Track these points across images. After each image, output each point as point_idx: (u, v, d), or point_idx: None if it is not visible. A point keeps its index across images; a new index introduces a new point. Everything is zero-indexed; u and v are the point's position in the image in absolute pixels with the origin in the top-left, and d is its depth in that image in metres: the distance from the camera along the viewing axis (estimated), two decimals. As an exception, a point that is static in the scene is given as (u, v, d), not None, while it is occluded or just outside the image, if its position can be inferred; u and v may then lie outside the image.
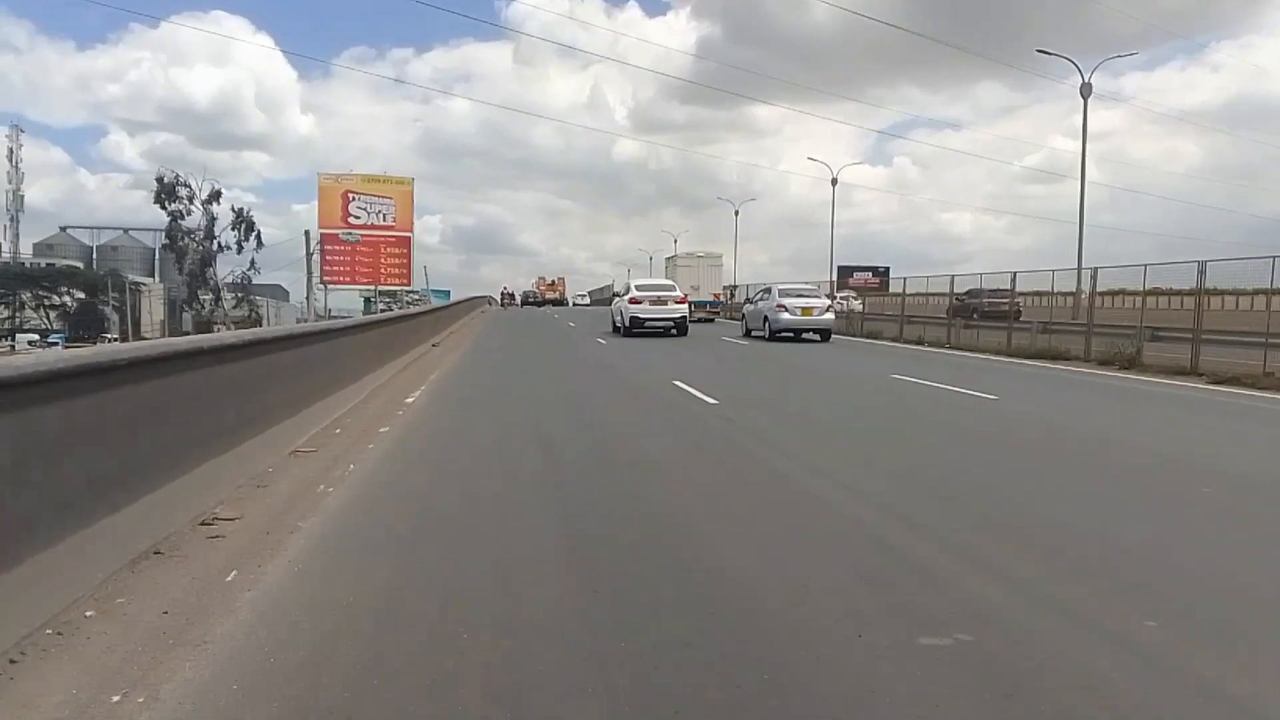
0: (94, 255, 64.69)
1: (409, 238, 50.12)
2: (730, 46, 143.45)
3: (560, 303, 53.60)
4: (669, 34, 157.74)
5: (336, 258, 47.29)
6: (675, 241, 47.43)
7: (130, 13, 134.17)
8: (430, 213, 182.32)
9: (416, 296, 60.20)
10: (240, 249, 48.37)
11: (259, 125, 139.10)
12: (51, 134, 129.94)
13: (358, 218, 47.39)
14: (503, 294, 58.14)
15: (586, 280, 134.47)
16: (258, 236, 48.39)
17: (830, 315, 19.19)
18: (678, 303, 18.84)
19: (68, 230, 70.61)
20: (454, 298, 43.96)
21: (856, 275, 40.17)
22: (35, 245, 63.71)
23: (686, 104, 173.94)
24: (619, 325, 19.03)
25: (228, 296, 47.43)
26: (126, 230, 66.37)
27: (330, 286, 48.47)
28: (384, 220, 48.42)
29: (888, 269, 43.90)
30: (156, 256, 63.48)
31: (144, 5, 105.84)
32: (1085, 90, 22.61)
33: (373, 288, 47.69)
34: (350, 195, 47.54)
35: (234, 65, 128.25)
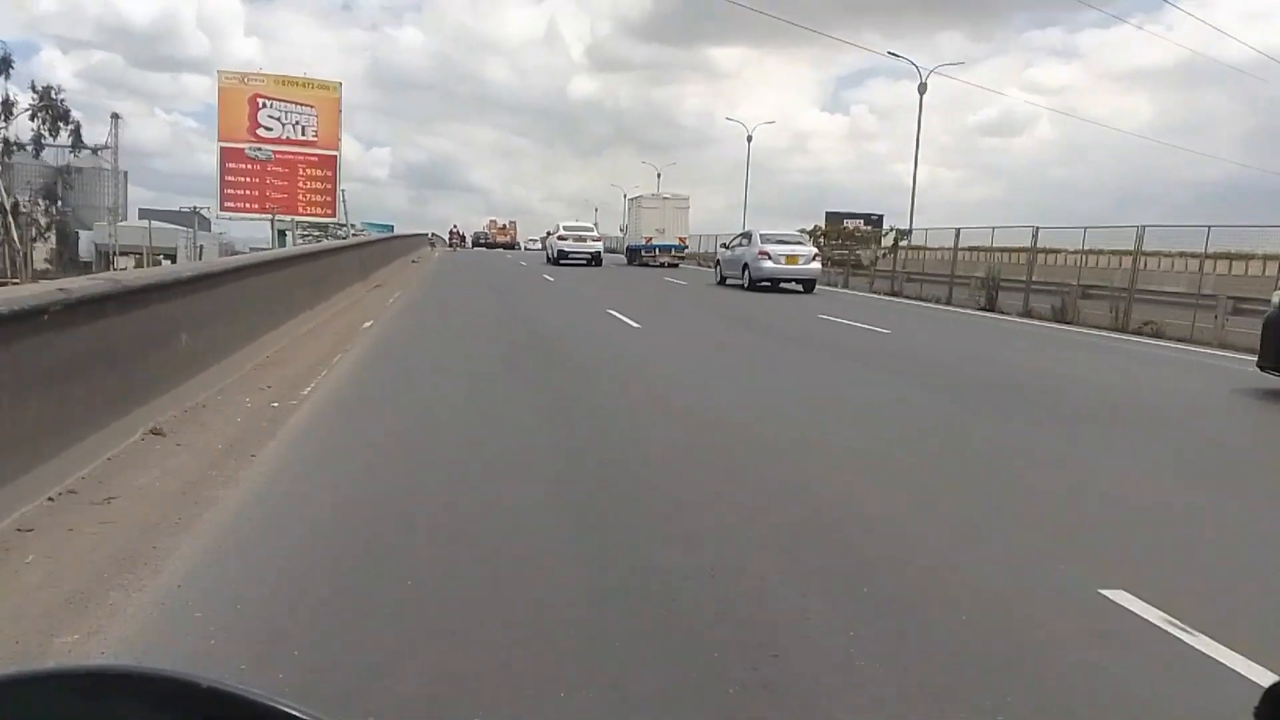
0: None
1: (334, 157, 54.59)
2: None
3: (511, 246, 68.71)
4: None
5: (241, 179, 51.81)
6: (659, 177, 59.41)
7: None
8: (379, 145, 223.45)
9: (355, 231, 65.47)
10: (38, 149, 52.63)
11: (200, 48, 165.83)
12: None
13: (269, 129, 51.81)
14: (451, 233, 65.96)
15: (541, 220, 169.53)
16: (76, 134, 55.16)
17: (816, 265, 24.69)
18: (594, 241, 37.05)
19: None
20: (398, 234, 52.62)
21: (848, 223, 47.16)
22: None
23: (646, 42, 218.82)
24: (550, 257, 35.50)
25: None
26: (23, 147, 71.91)
27: (232, 217, 53.87)
28: (303, 134, 52.89)
29: (881, 217, 51.87)
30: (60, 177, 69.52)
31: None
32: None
33: (288, 218, 52.04)
34: (261, 101, 51.78)
35: None
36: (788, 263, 23.67)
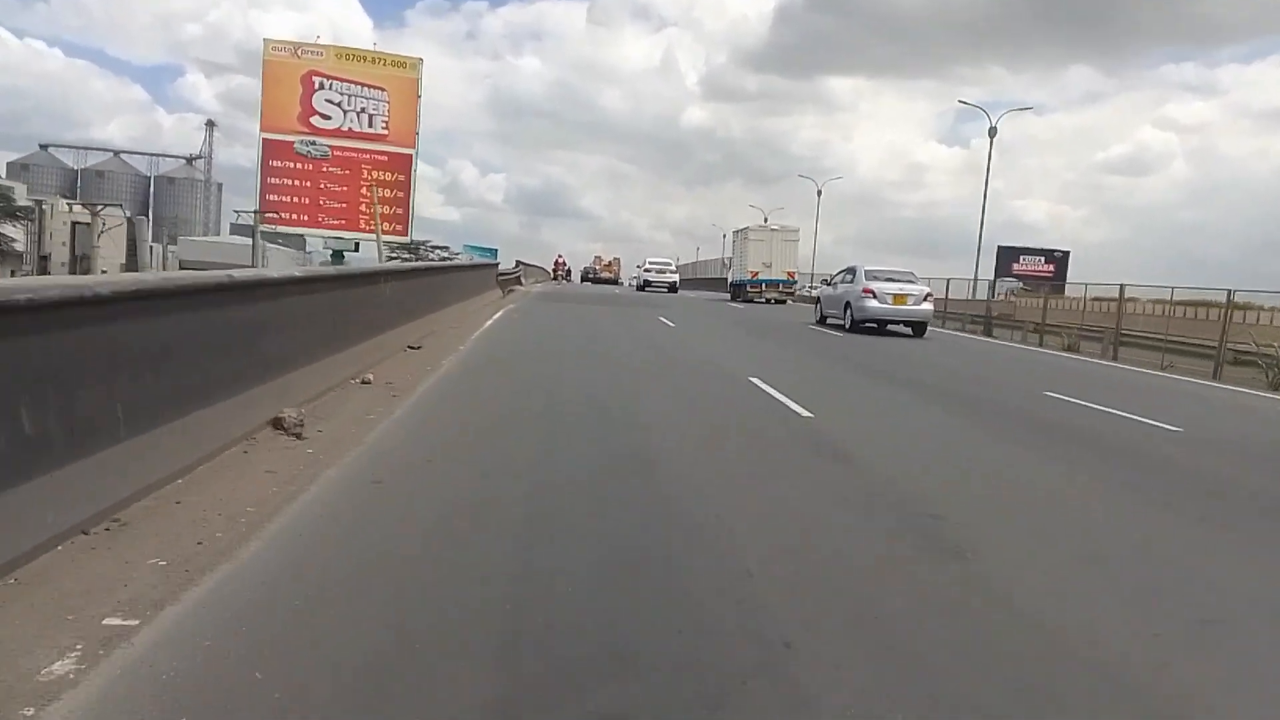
0: (78, 180, 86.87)
1: (410, 157, 60.24)
2: (810, 14, 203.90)
3: (614, 282, 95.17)
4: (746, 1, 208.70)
5: (287, 181, 58.56)
6: (765, 220, 71.74)
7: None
8: (495, 170, 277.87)
9: (446, 255, 75.19)
10: (206, 179, 63.50)
11: None
12: (131, 71, 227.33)
13: (328, 118, 58.70)
14: (556, 264, 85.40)
15: (646, 248, 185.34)
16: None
17: (928, 305, 32.27)
18: (672, 273, 73.52)
19: (49, 149, 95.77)
20: (502, 260, 69.82)
21: (1024, 260, 60.26)
22: (9, 165, 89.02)
23: (760, 72, 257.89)
24: (638, 286, 71.98)
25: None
26: (117, 154, 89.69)
27: (275, 230, 61.51)
28: (370, 125, 59.22)
29: (1067, 254, 65.07)
30: (152, 187, 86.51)
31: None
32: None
33: (348, 235, 59.59)
34: (317, 80, 58.58)
35: (311, 11, 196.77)
36: (895, 302, 30.90)
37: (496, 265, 45.47)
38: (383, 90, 59.22)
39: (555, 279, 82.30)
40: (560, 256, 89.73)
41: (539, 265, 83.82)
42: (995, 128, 47.27)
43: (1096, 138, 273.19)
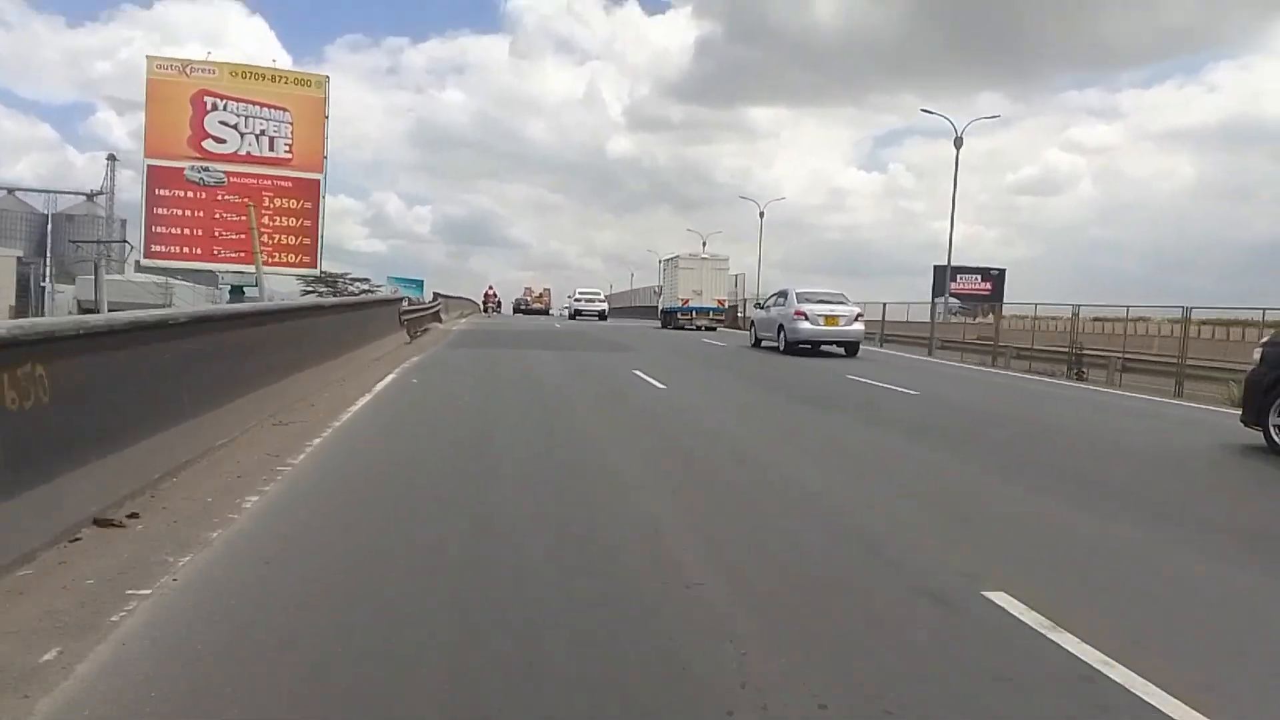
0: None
1: (317, 183, 56.66)
2: (731, 46, 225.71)
3: (545, 312, 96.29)
4: (669, 32, 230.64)
5: (176, 212, 54.14)
6: (704, 244, 79.37)
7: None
8: (421, 202, 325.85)
9: (368, 288, 72.80)
10: (108, 215, 59.47)
11: None
12: (40, 110, 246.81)
13: (223, 142, 55.01)
14: (486, 296, 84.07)
15: (576, 275, 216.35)
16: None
17: (859, 325, 32.60)
18: (601, 302, 75.90)
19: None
20: (426, 292, 65.49)
21: (961, 279, 61.55)
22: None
23: (683, 103, 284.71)
24: (570, 314, 75.54)
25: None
26: (11, 191, 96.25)
27: (164, 265, 56.87)
28: (271, 149, 55.82)
29: (1003, 271, 68.01)
30: (49, 225, 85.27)
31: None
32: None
33: (242, 268, 54.11)
34: (210, 100, 54.98)
35: (228, 47, 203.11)
36: (827, 324, 31.11)
37: (399, 301, 34.82)
38: (285, 110, 56.24)
39: (485, 311, 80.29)
40: (490, 288, 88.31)
41: (466, 297, 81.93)
42: (961, 138, 47.37)
43: (1007, 160, 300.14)
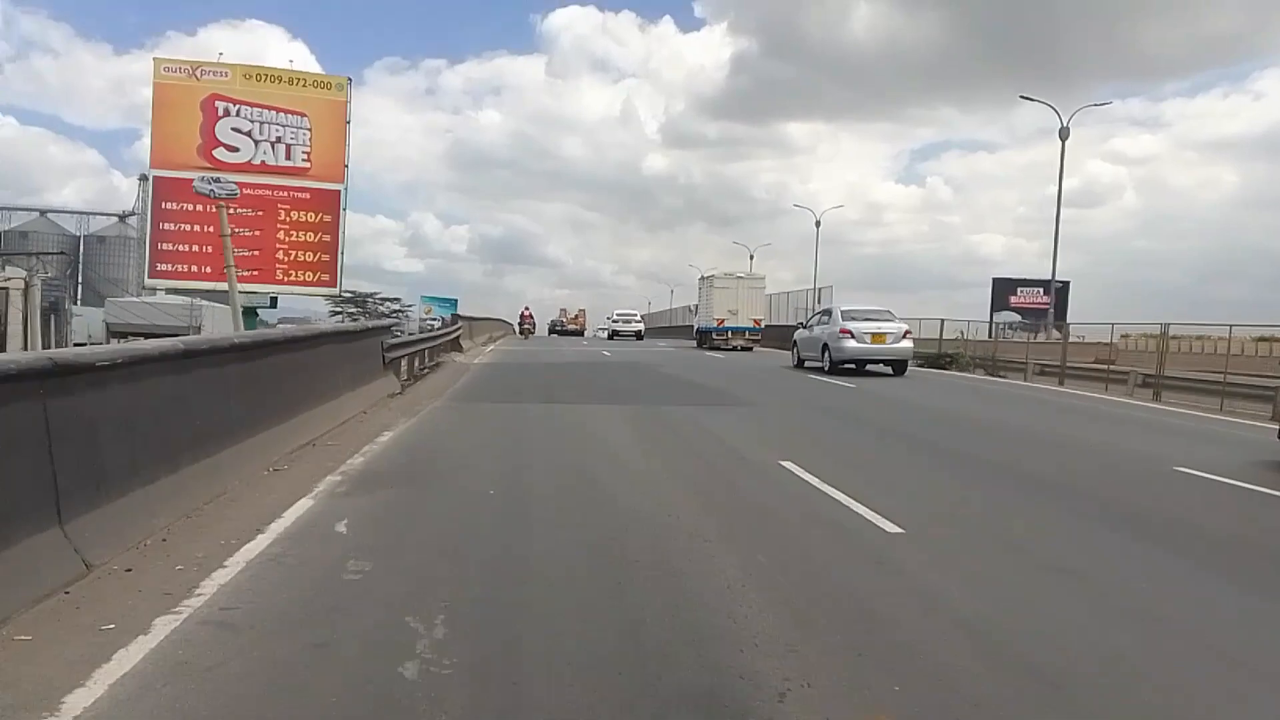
0: None
1: (338, 194, 52.97)
2: (766, 61, 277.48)
3: (580, 333, 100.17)
4: (704, 49, 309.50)
5: (184, 227, 50.81)
6: (751, 258, 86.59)
7: (168, 21, 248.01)
8: (458, 222, 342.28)
9: (399, 309, 71.21)
10: (141, 235, 57.99)
11: None
12: (86, 135, 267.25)
13: (235, 150, 51.65)
14: (523, 316, 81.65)
15: (610, 292, 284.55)
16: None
17: (907, 343, 31.80)
18: (637, 323, 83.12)
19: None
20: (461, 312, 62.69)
21: (1021, 292, 61.54)
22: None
23: (719, 119, 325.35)
24: (609, 334, 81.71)
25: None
26: (43, 213, 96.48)
27: (164, 284, 52.99)
28: (289, 157, 52.45)
29: (1066, 284, 63.44)
30: (81, 246, 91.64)
31: (181, 13, 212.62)
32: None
33: (256, 287, 51.12)
34: (222, 105, 51.68)
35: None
36: (874, 341, 30.70)
37: (386, 330, 23.63)
38: (303, 116, 52.77)
39: (521, 333, 78.44)
40: (526, 309, 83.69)
41: (497, 318, 79.01)
42: (1067, 128, 49.28)
43: (1048, 172, 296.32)
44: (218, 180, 48.54)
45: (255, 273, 50.07)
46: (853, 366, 31.59)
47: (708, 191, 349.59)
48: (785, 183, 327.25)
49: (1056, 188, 52.03)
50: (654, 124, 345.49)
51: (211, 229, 48.73)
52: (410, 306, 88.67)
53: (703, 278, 61.45)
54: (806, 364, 34.50)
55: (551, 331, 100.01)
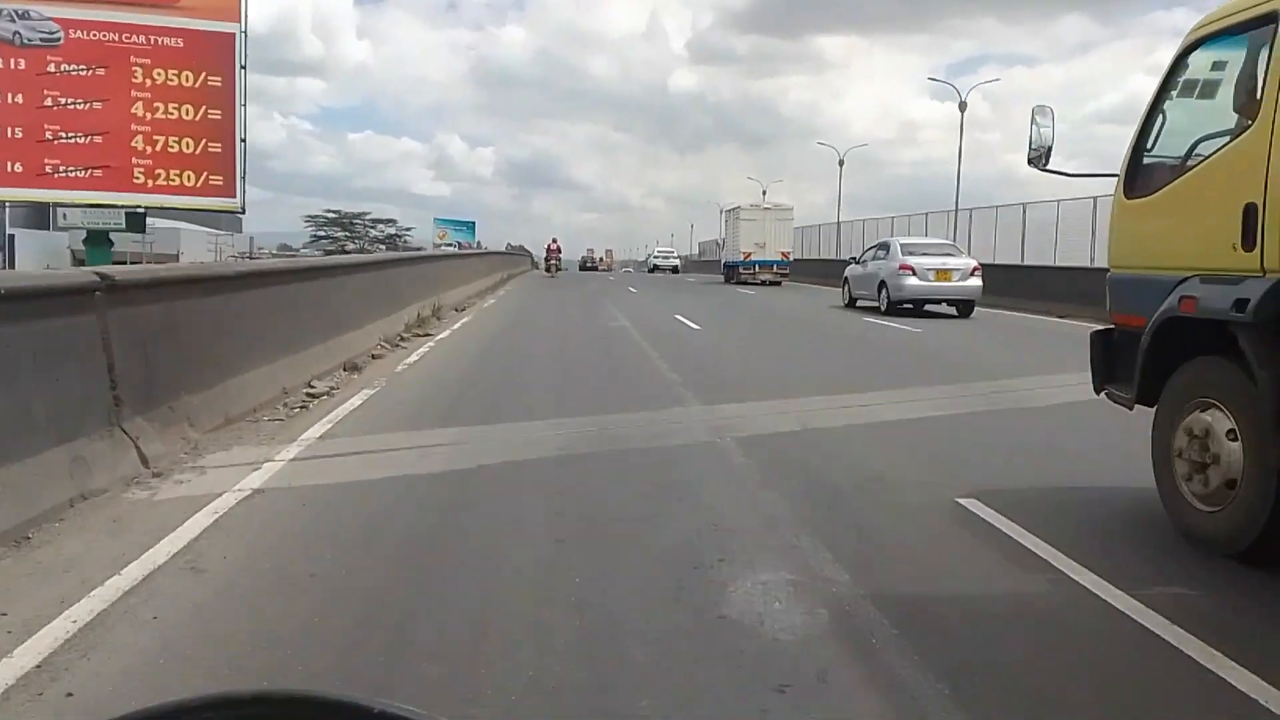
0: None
1: (230, 38, 28.53)
2: None
3: (609, 269, 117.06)
4: None
5: None
6: (764, 193, 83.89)
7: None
8: (483, 144, 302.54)
9: (403, 236, 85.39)
10: None
11: (315, 50, 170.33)
12: None
13: None
14: (549, 250, 71.01)
15: (638, 216, 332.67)
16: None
17: (976, 281, 29.45)
18: (675, 258, 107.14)
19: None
20: (482, 246, 76.02)
21: None
22: None
23: (748, 33, 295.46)
24: (648, 269, 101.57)
25: None
26: None
27: None
28: None
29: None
30: None
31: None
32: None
33: (102, 196, 27.01)
34: None
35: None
36: (938, 279, 28.54)
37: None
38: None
39: (548, 270, 67.86)
40: (554, 241, 71.81)
41: (516, 251, 75.98)
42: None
43: (1089, 88, 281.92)
44: (27, 16, 28.15)
45: (96, 173, 29.55)
46: (909, 307, 30.12)
47: (737, 110, 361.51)
48: (816, 100, 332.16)
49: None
50: (681, 39, 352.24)
51: (21, 99, 29.76)
52: (410, 230, 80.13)
53: (728, 210, 61.54)
54: (859, 303, 33.15)
55: (582, 268, 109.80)
